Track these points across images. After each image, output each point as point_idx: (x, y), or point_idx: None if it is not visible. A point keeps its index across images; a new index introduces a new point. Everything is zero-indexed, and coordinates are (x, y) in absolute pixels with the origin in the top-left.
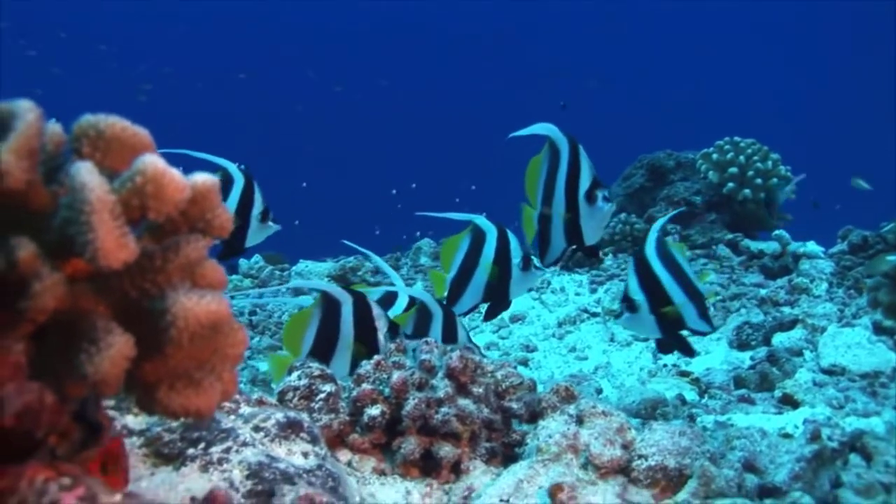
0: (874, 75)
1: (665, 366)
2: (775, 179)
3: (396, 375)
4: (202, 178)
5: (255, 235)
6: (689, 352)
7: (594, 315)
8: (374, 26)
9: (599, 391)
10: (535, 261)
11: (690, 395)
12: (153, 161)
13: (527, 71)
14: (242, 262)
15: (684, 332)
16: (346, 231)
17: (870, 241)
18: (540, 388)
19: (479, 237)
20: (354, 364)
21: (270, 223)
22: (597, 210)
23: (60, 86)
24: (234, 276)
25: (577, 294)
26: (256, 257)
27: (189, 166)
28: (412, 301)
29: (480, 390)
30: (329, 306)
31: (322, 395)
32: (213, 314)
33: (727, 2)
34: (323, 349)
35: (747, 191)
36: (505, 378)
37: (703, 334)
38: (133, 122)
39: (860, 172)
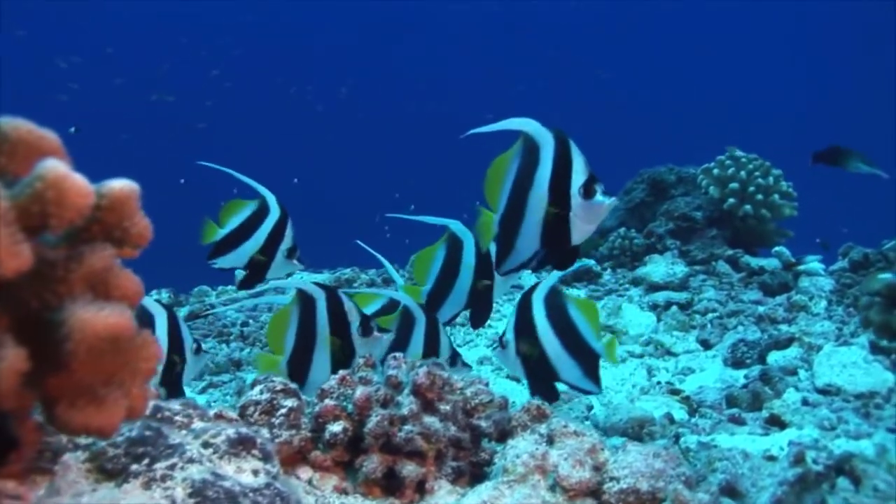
0: (882, 84)
1: (658, 383)
2: (776, 196)
3: (360, 391)
4: (120, 185)
5: (277, 270)
6: (550, 398)
7: None
8: (371, 24)
9: (590, 408)
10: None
11: (680, 413)
12: (54, 165)
13: (524, 75)
14: (238, 272)
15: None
16: (345, 237)
17: (871, 258)
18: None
19: (455, 244)
20: (335, 359)
21: (295, 261)
22: (595, 204)
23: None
24: (229, 287)
25: None
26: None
27: (228, 188)
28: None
29: (448, 408)
30: (305, 303)
31: (283, 411)
32: (111, 328)
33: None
34: (303, 346)
35: (748, 207)
36: (475, 395)
37: (589, 393)
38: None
39: (866, 185)
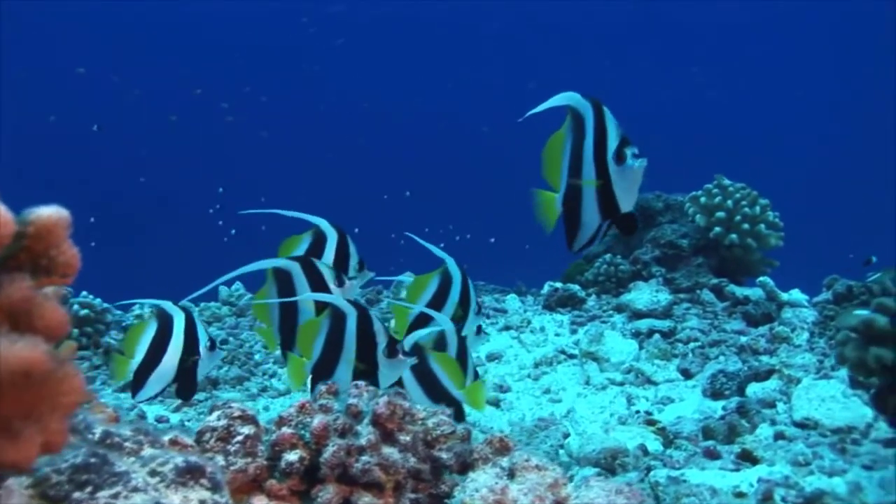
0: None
1: (637, 412)
2: (763, 225)
3: (318, 420)
4: (48, 213)
5: (350, 292)
6: None
7: (571, 357)
8: (369, 26)
9: (566, 436)
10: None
11: (654, 444)
12: None
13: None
14: (222, 289)
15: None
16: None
17: (855, 291)
18: (507, 429)
19: (447, 279)
20: (356, 374)
21: (366, 271)
22: (627, 169)
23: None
24: (212, 304)
25: (557, 335)
26: (237, 284)
27: (285, 226)
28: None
29: (408, 438)
30: (336, 317)
31: (240, 438)
32: (24, 362)
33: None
34: (329, 356)
35: (734, 236)
36: (436, 426)
37: None
38: None
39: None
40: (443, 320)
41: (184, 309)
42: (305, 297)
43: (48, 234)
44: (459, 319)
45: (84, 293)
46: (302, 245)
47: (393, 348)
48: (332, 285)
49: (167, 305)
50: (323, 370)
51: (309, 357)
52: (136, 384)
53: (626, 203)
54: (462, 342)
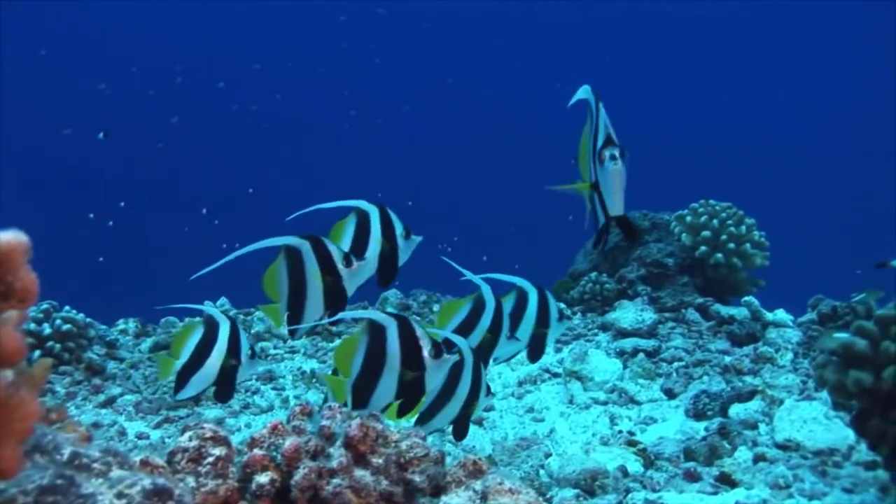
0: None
1: (620, 432)
2: (748, 245)
3: (289, 442)
4: (5, 238)
5: (404, 253)
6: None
7: (555, 375)
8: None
9: (548, 455)
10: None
11: (635, 466)
12: None
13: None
14: (207, 304)
15: None
16: None
17: (839, 311)
18: (490, 448)
19: (480, 304)
20: (401, 386)
21: (413, 236)
22: (604, 172)
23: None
24: (196, 319)
25: None
26: (223, 300)
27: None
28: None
29: (380, 461)
30: (375, 331)
31: (211, 459)
32: None
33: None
34: (370, 369)
35: (720, 255)
36: (410, 449)
37: None
38: None
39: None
40: (459, 341)
41: (229, 317)
42: (361, 314)
43: (6, 259)
44: (488, 345)
45: (67, 308)
46: (349, 226)
47: (438, 349)
48: (339, 265)
49: (215, 313)
50: (364, 385)
51: (348, 375)
52: (179, 383)
53: (611, 205)
54: (478, 359)
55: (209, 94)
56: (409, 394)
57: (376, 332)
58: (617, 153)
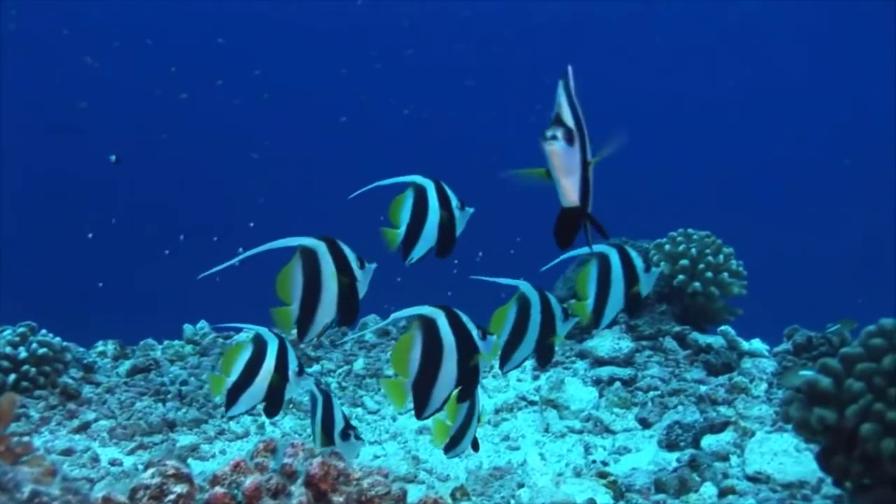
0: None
1: (594, 462)
2: (726, 274)
3: (250, 480)
4: None
5: (460, 223)
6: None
7: (532, 403)
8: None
9: (521, 485)
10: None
11: (605, 498)
12: None
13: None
14: (187, 327)
15: None
16: None
17: (814, 341)
18: (464, 476)
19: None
20: (460, 373)
21: (467, 208)
22: (544, 153)
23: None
24: (175, 342)
25: (519, 380)
26: (202, 323)
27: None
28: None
29: (342, 499)
30: (426, 325)
31: (172, 497)
32: None
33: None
34: (428, 366)
35: (697, 284)
36: (371, 487)
37: None
38: None
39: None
40: (522, 285)
41: (278, 336)
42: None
43: None
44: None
45: (44, 331)
46: (407, 200)
47: (483, 330)
48: (354, 267)
49: (264, 332)
50: (424, 380)
51: (406, 375)
52: (230, 400)
53: (560, 193)
54: (544, 295)
55: (200, 112)
56: (467, 380)
57: (428, 326)
58: (559, 132)
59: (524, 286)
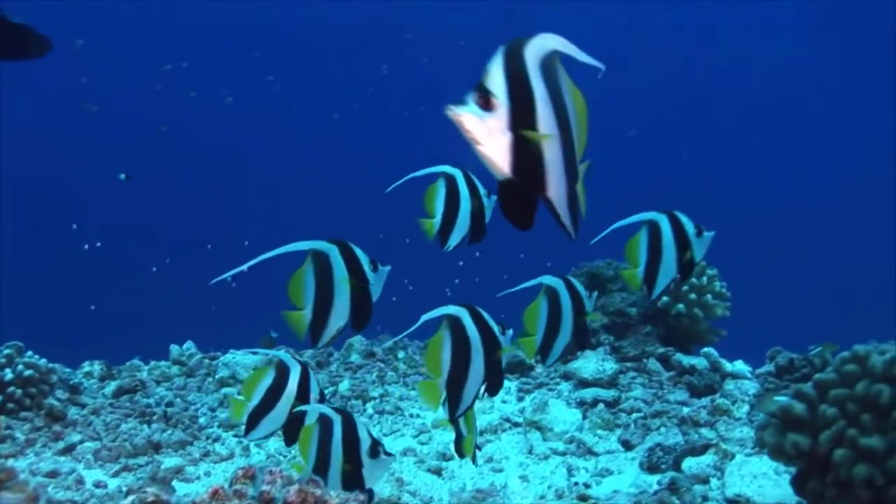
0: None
1: (576, 484)
2: (709, 296)
3: None
4: None
5: (489, 211)
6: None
7: (516, 425)
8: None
9: None
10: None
11: None
12: None
13: None
14: (173, 348)
15: None
16: None
17: (796, 363)
18: (446, 499)
19: (654, 228)
20: (488, 368)
21: (492, 195)
22: None
23: None
24: (162, 363)
25: (504, 402)
26: (189, 343)
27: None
28: None
29: None
30: (453, 324)
31: None
32: None
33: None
34: (459, 364)
35: (681, 305)
36: None
37: None
38: None
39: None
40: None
41: (301, 362)
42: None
43: None
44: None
45: (29, 353)
46: (440, 190)
47: (503, 324)
48: (367, 270)
49: (286, 357)
50: (457, 378)
51: (439, 374)
52: (250, 425)
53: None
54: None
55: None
56: (495, 373)
57: (455, 325)
58: (471, 98)
59: (547, 279)
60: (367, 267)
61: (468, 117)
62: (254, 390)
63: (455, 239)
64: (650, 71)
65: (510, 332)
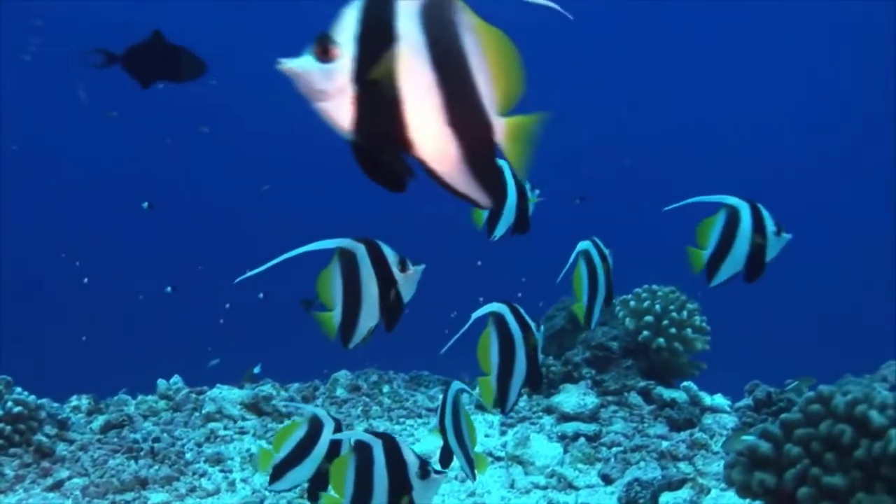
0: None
1: None
2: (689, 330)
3: None
4: None
5: (532, 204)
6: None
7: (498, 459)
8: None
9: None
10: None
11: None
12: None
13: None
14: (161, 382)
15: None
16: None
17: (773, 397)
18: None
19: (733, 213)
20: (528, 361)
21: (536, 189)
22: None
23: None
24: (149, 397)
25: (487, 436)
26: (176, 378)
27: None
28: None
29: None
30: (498, 321)
31: None
32: None
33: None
34: (506, 359)
35: (661, 339)
36: None
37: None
38: None
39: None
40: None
41: (335, 419)
42: None
43: None
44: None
45: (18, 389)
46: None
47: (538, 324)
48: (395, 270)
49: (321, 413)
50: (504, 374)
51: (489, 370)
52: (275, 476)
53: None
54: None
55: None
56: (535, 365)
57: (500, 322)
58: (311, 47)
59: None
60: (395, 266)
61: (300, 70)
62: (283, 443)
63: (500, 230)
64: (650, 71)
65: (542, 328)
